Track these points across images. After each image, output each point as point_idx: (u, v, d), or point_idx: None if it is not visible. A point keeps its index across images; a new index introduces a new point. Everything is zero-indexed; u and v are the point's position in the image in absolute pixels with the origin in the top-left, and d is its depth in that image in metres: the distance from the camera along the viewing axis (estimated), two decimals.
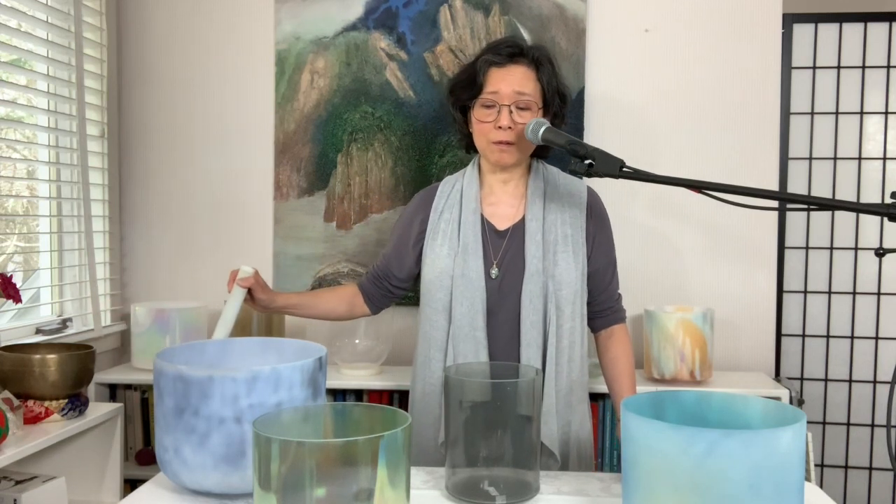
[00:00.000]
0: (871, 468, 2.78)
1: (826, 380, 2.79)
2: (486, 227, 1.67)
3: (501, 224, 1.68)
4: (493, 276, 1.64)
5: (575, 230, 1.67)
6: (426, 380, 1.69)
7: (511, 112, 1.59)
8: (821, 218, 2.76)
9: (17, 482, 1.72)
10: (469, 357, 1.61)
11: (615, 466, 2.34)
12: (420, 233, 1.73)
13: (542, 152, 1.74)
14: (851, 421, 2.78)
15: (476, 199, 1.68)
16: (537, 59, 1.63)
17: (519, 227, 1.67)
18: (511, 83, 1.59)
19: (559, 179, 1.72)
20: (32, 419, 1.80)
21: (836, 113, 2.75)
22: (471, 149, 1.75)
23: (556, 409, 1.63)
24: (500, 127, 1.59)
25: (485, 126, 1.62)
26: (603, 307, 1.74)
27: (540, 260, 1.62)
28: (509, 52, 1.62)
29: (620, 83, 2.53)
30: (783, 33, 2.57)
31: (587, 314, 1.73)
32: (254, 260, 2.64)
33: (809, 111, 2.76)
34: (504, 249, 1.65)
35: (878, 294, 2.75)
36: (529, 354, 1.61)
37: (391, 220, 2.57)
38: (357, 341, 2.41)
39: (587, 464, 1.70)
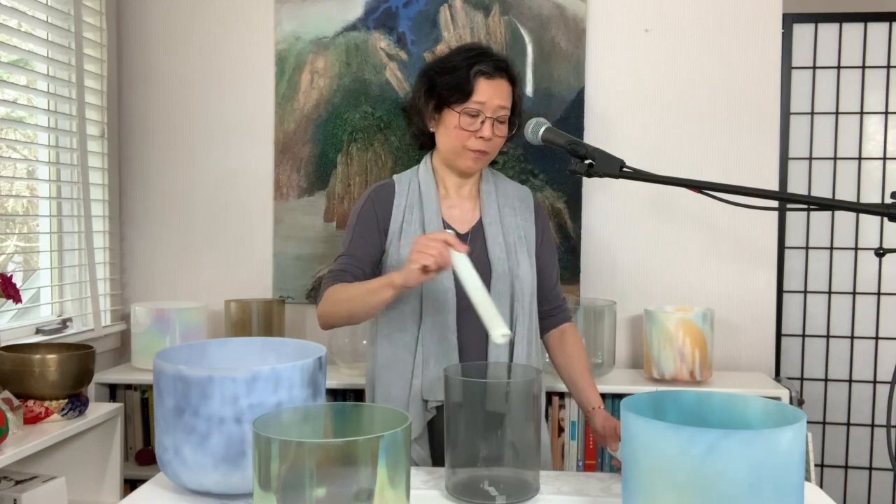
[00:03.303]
0: (871, 468, 2.78)
1: (826, 380, 2.79)
2: (447, 230, 1.67)
3: (461, 227, 1.69)
4: None
5: (528, 231, 1.72)
6: (391, 382, 1.64)
7: (493, 124, 1.61)
8: (821, 218, 2.76)
9: (17, 482, 1.72)
10: (441, 360, 1.61)
11: (615, 466, 2.34)
12: (385, 229, 1.67)
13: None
14: (851, 421, 2.78)
15: (436, 202, 1.68)
16: (515, 75, 1.67)
17: (478, 230, 1.68)
18: (495, 96, 1.61)
19: (507, 184, 1.77)
20: (32, 419, 1.80)
21: (836, 113, 2.75)
22: (426, 146, 1.75)
23: None
24: (481, 137, 1.61)
25: (464, 133, 1.61)
26: (552, 306, 1.77)
27: (505, 261, 1.64)
28: (497, 64, 1.62)
29: (620, 83, 2.53)
30: (783, 33, 2.57)
31: (538, 316, 1.76)
32: (254, 260, 2.64)
33: (809, 111, 2.76)
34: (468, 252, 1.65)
35: (878, 294, 2.75)
36: (498, 353, 1.62)
37: None
38: (357, 341, 2.41)
39: (546, 462, 1.72)
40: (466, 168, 1.66)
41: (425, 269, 1.37)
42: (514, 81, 1.66)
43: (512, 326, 1.63)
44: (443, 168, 1.72)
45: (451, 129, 1.62)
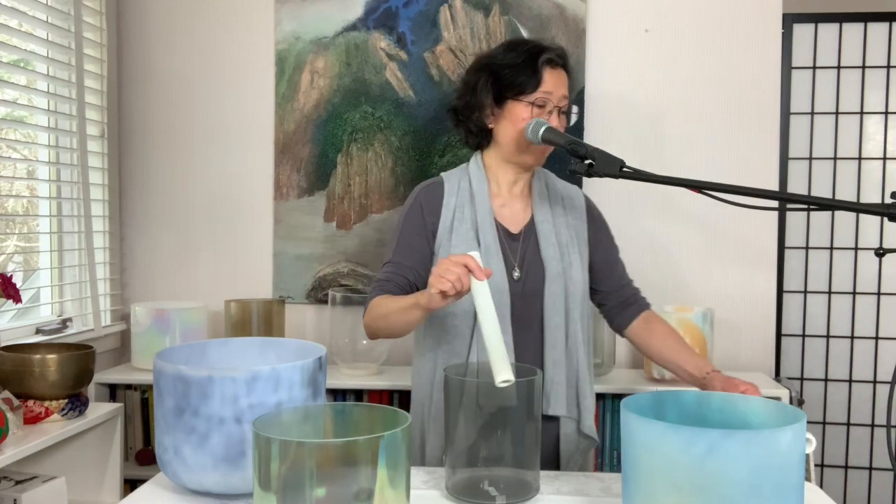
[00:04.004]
0: (871, 468, 2.78)
1: (826, 380, 2.79)
2: (499, 229, 1.64)
3: (513, 227, 1.65)
4: (516, 278, 1.60)
5: (579, 231, 1.69)
6: (439, 387, 1.61)
7: (559, 115, 1.60)
8: (821, 218, 2.76)
9: (17, 482, 1.72)
10: None
11: (615, 466, 2.34)
12: (434, 231, 1.64)
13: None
14: (851, 421, 2.78)
15: (488, 201, 1.64)
16: (571, 65, 1.66)
17: (530, 229, 1.65)
18: (561, 86, 1.60)
19: (556, 182, 1.74)
20: (32, 419, 1.80)
21: (836, 113, 2.75)
22: (483, 145, 1.68)
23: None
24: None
25: None
26: (627, 295, 1.73)
27: (559, 262, 1.61)
28: (558, 53, 1.62)
29: (620, 83, 2.53)
30: (783, 33, 2.57)
31: (612, 312, 1.73)
32: (254, 260, 2.64)
33: (809, 111, 2.76)
34: (521, 252, 1.63)
35: (878, 294, 2.75)
36: (555, 357, 1.59)
37: (391, 221, 2.57)
38: (357, 341, 2.41)
39: (590, 460, 1.73)
40: (534, 161, 1.63)
41: (445, 294, 1.32)
42: (570, 72, 1.65)
43: (567, 327, 1.61)
44: (498, 165, 1.67)
45: (518, 121, 1.58)
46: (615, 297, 1.73)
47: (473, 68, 1.67)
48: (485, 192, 1.64)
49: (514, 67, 1.59)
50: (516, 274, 1.61)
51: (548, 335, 1.59)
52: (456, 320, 1.60)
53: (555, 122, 1.58)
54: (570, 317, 1.61)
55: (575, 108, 1.68)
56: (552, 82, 1.58)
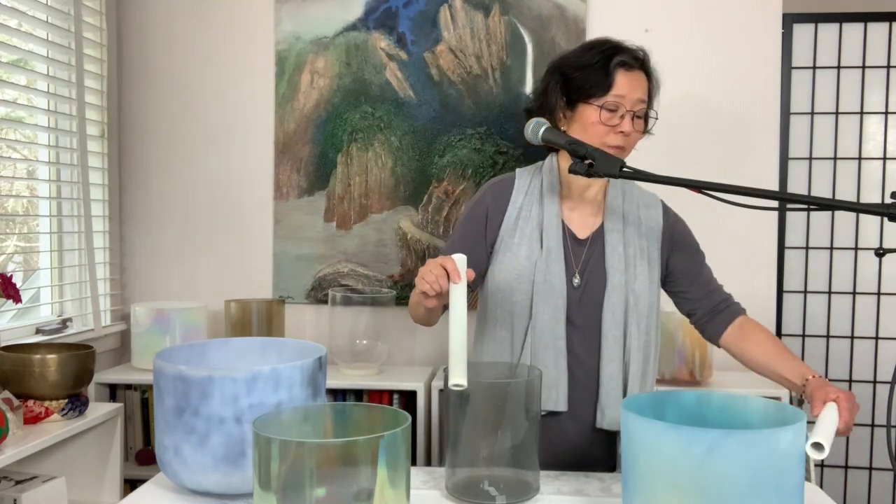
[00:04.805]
0: (871, 468, 2.78)
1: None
2: (566, 233, 1.60)
3: (581, 232, 1.61)
4: (576, 285, 1.56)
5: (651, 242, 1.63)
6: None
7: (632, 119, 1.53)
8: (821, 218, 2.76)
9: (17, 482, 1.72)
10: (549, 366, 1.53)
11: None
12: (496, 226, 1.61)
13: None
14: None
15: (558, 203, 1.60)
16: (651, 68, 1.59)
17: (598, 236, 1.61)
18: (636, 90, 1.53)
19: (634, 191, 1.68)
20: (32, 419, 1.80)
21: (836, 113, 2.75)
22: (555, 147, 1.62)
23: None
24: (621, 132, 1.51)
25: (602, 128, 1.51)
26: (716, 301, 1.66)
27: (622, 273, 1.57)
28: (635, 55, 1.55)
29: None
30: (783, 33, 2.57)
31: (703, 322, 1.67)
32: (254, 260, 2.64)
33: (809, 111, 2.76)
34: (585, 258, 1.59)
35: (878, 294, 2.75)
36: (611, 370, 1.54)
37: (391, 220, 2.57)
38: (357, 341, 2.41)
39: None
40: None
41: (426, 294, 1.33)
42: (650, 75, 1.58)
43: (625, 340, 1.56)
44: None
45: (588, 125, 1.53)
46: (703, 305, 1.66)
47: (548, 70, 1.63)
48: (555, 194, 1.61)
49: (586, 69, 1.53)
50: (576, 280, 1.57)
51: (605, 347, 1.55)
52: (513, 318, 1.57)
53: (627, 126, 1.51)
54: (629, 330, 1.56)
55: (654, 113, 1.61)
56: (626, 85, 1.52)
